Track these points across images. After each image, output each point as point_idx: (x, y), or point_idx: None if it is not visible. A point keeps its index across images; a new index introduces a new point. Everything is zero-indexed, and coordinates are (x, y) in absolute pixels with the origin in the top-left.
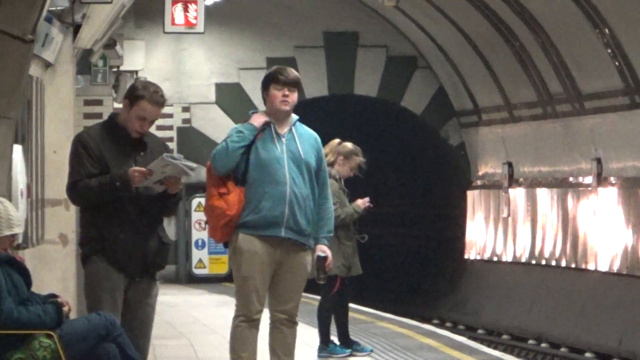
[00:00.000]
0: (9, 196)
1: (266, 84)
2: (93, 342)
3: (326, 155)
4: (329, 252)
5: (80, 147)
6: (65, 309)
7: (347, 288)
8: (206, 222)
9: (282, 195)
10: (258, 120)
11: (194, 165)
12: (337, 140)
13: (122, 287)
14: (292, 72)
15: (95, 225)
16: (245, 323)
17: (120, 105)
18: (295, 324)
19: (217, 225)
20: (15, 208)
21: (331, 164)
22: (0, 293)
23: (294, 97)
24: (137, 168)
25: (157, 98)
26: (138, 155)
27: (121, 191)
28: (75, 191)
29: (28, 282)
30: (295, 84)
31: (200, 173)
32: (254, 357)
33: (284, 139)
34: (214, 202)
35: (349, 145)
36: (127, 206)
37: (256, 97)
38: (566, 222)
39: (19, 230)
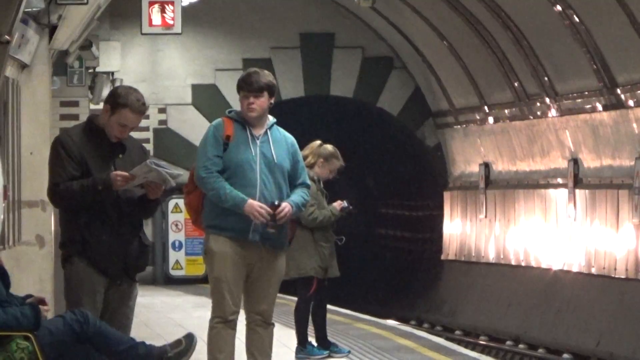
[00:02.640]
0: None
1: (237, 90)
2: (69, 341)
3: (306, 157)
4: (285, 204)
5: (61, 149)
6: (45, 308)
7: (325, 289)
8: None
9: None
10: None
11: (178, 173)
12: (317, 142)
13: (102, 289)
14: (258, 79)
15: (77, 227)
16: (221, 324)
17: (96, 107)
18: (270, 324)
19: (195, 218)
20: None
21: (311, 166)
22: None
23: (260, 102)
24: (119, 172)
25: (139, 107)
26: (117, 158)
27: (103, 194)
28: (57, 194)
29: (6, 283)
30: (259, 90)
31: (183, 178)
32: (231, 358)
33: (258, 141)
34: (186, 196)
35: (329, 147)
36: (108, 209)
37: (232, 98)
38: (542, 223)
39: None
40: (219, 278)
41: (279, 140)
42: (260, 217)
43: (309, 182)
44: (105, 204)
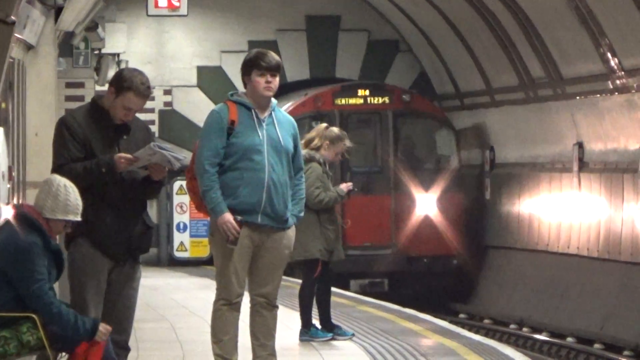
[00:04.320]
0: None
1: (247, 70)
2: (75, 339)
3: (313, 139)
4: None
5: (65, 130)
6: (102, 330)
7: (330, 272)
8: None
9: (261, 182)
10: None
11: (181, 156)
12: (324, 125)
13: (106, 270)
14: (274, 57)
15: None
16: (225, 306)
17: (102, 88)
18: (275, 307)
19: (199, 203)
20: (77, 196)
21: (317, 149)
22: (40, 273)
23: (276, 82)
24: (123, 154)
25: (143, 90)
26: (121, 139)
27: (107, 176)
28: (60, 175)
29: (58, 275)
30: (277, 69)
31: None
32: (234, 340)
33: (264, 124)
34: (187, 183)
35: (335, 130)
36: (111, 190)
37: (238, 80)
38: (548, 206)
39: (74, 217)
40: (226, 260)
41: (282, 122)
42: (226, 233)
43: (303, 165)
44: (108, 185)
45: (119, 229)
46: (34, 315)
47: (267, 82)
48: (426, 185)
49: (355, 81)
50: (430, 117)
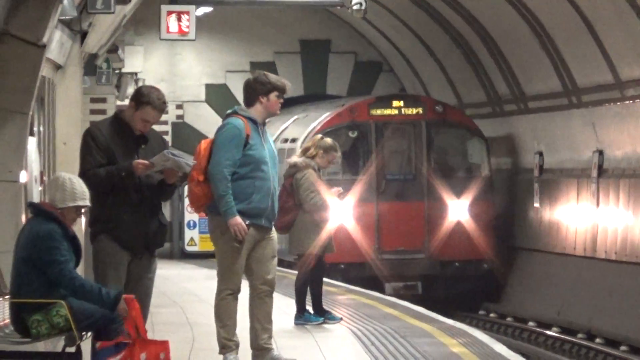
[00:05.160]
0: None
1: (268, 90)
2: (98, 322)
3: (309, 148)
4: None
5: (91, 140)
6: (123, 307)
7: (323, 264)
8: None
9: (268, 190)
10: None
11: (191, 162)
12: (319, 136)
13: (125, 262)
14: (287, 85)
15: (103, 208)
16: (230, 296)
17: (121, 103)
18: (273, 292)
19: (196, 205)
20: (82, 185)
21: (313, 157)
22: (62, 255)
23: None
24: (140, 160)
25: (160, 105)
26: (140, 148)
27: (126, 180)
28: (85, 179)
29: (77, 262)
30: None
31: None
32: (235, 323)
33: (264, 139)
34: (193, 187)
35: (329, 141)
36: (131, 192)
37: (240, 96)
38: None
39: (82, 203)
40: (236, 256)
41: (269, 136)
42: (236, 233)
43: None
44: (128, 188)
45: (138, 226)
46: (62, 301)
47: (281, 103)
48: (458, 192)
49: (391, 93)
50: (462, 127)
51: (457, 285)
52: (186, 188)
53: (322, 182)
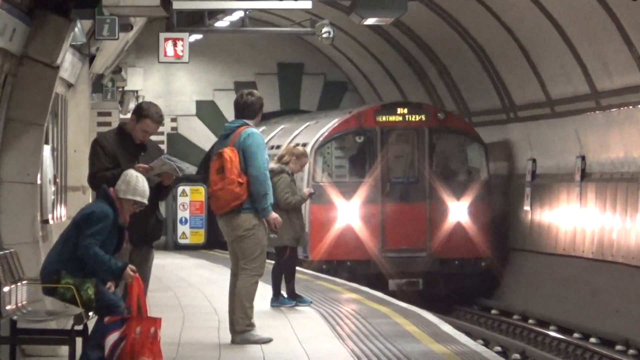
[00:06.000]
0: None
1: (261, 108)
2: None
3: (284, 156)
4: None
5: (99, 147)
6: (129, 272)
7: (296, 255)
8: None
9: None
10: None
11: (184, 167)
12: (292, 145)
13: (127, 253)
14: None
15: None
16: (258, 281)
17: (124, 116)
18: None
19: (228, 204)
20: (145, 184)
21: (287, 163)
22: (99, 234)
23: None
24: (141, 164)
25: (157, 118)
26: (140, 155)
27: None
28: (94, 181)
29: (119, 247)
30: None
31: (189, 170)
32: None
33: None
34: (234, 188)
35: (300, 149)
36: None
37: (226, 111)
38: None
39: (140, 199)
40: (263, 246)
41: None
42: (277, 226)
43: None
44: None
45: (138, 221)
46: (92, 283)
47: None
48: (458, 195)
49: (396, 101)
50: (462, 133)
51: (456, 282)
52: (179, 189)
53: (294, 184)
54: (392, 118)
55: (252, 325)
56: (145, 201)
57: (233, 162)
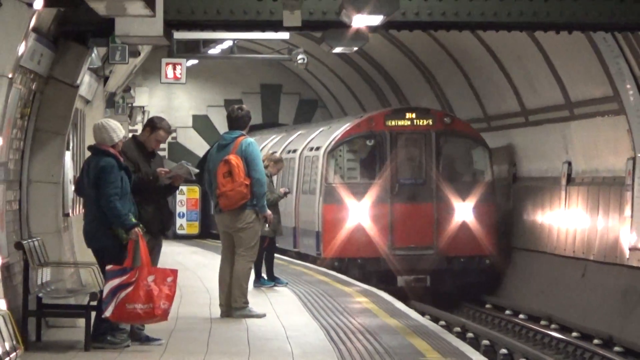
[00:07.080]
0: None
1: (249, 119)
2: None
3: (264, 161)
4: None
5: (123, 154)
6: (136, 231)
7: (274, 244)
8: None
9: None
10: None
11: (196, 170)
12: (270, 152)
13: (146, 239)
14: None
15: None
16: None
17: (132, 128)
18: None
19: (237, 203)
20: (115, 122)
21: (266, 167)
22: (114, 182)
23: None
24: (162, 169)
25: (168, 129)
26: (151, 160)
27: (153, 182)
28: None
29: (129, 180)
30: None
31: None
32: None
33: None
34: (242, 189)
35: (277, 155)
36: (151, 191)
37: (218, 124)
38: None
39: (122, 134)
40: (259, 236)
41: None
42: (270, 221)
43: None
44: (149, 188)
45: (155, 214)
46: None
47: None
48: (464, 196)
49: (405, 106)
50: (468, 137)
51: (462, 278)
52: (180, 189)
53: (272, 185)
54: (401, 122)
55: (247, 302)
56: (124, 132)
57: (240, 167)
